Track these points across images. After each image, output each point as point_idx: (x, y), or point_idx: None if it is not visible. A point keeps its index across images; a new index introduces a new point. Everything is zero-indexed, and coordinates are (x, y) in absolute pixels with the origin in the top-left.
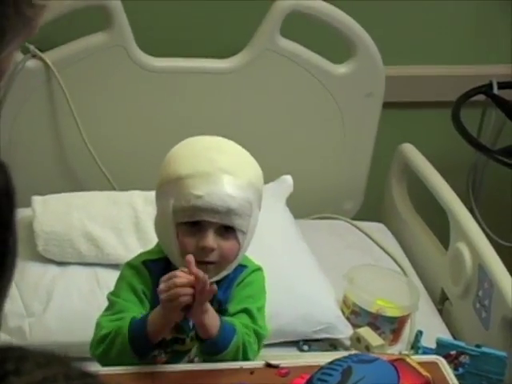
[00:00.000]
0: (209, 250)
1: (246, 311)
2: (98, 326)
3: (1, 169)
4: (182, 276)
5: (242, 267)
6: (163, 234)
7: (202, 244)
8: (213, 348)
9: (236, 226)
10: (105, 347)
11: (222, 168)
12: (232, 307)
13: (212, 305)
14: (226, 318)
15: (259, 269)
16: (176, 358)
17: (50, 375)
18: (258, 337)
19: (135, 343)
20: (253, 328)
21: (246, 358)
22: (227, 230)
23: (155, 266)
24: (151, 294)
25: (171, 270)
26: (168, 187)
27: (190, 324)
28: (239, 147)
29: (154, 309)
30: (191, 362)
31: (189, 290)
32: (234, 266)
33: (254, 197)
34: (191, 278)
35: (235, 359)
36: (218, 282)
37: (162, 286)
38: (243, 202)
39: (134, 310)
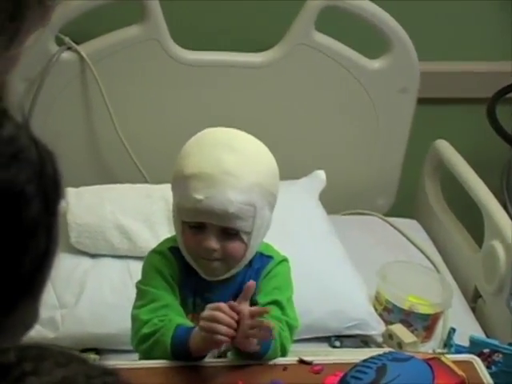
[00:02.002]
0: (210, 251)
1: (277, 303)
2: (136, 319)
3: (49, 158)
4: (225, 313)
5: (268, 258)
6: (174, 227)
7: (203, 245)
8: (252, 357)
9: (237, 228)
10: (146, 348)
11: (225, 170)
12: (261, 299)
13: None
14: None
15: (285, 260)
16: None
17: (69, 374)
18: (290, 328)
19: (178, 356)
20: (285, 320)
21: (284, 354)
22: (230, 231)
23: (181, 252)
24: (179, 279)
25: None
26: (176, 184)
27: None
28: (255, 143)
29: (181, 293)
30: (223, 355)
31: (228, 332)
32: (243, 263)
33: (261, 197)
34: (232, 320)
35: (274, 358)
36: (244, 274)
37: (204, 313)
38: (243, 205)
39: (166, 297)
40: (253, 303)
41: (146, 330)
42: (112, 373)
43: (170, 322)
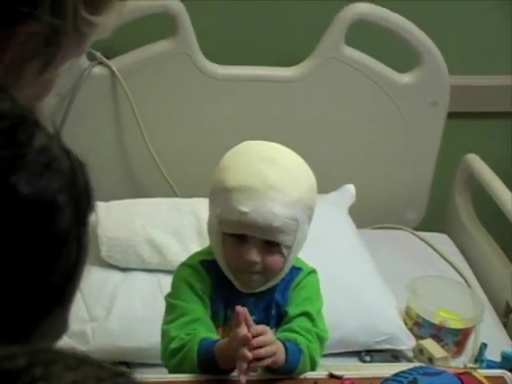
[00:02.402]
0: (252, 264)
1: (307, 314)
2: (166, 335)
3: (81, 168)
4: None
5: (297, 269)
6: (212, 239)
7: (245, 258)
8: (282, 372)
9: (280, 241)
10: (176, 363)
11: (269, 184)
12: (291, 310)
13: (271, 308)
14: (290, 338)
15: (313, 271)
16: None
17: (79, 378)
18: (320, 340)
19: (206, 370)
20: (315, 332)
21: (313, 366)
22: (271, 244)
23: (212, 265)
24: (210, 293)
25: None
26: (216, 196)
27: None
28: (294, 157)
29: (212, 306)
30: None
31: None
32: (281, 276)
33: (302, 212)
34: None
35: (304, 372)
36: (275, 286)
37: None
38: (288, 219)
39: (196, 311)
40: (283, 314)
41: (173, 345)
42: (124, 374)
43: (194, 336)
